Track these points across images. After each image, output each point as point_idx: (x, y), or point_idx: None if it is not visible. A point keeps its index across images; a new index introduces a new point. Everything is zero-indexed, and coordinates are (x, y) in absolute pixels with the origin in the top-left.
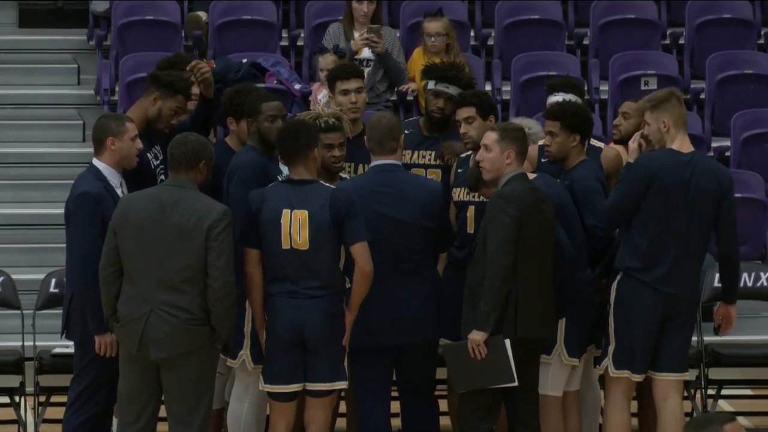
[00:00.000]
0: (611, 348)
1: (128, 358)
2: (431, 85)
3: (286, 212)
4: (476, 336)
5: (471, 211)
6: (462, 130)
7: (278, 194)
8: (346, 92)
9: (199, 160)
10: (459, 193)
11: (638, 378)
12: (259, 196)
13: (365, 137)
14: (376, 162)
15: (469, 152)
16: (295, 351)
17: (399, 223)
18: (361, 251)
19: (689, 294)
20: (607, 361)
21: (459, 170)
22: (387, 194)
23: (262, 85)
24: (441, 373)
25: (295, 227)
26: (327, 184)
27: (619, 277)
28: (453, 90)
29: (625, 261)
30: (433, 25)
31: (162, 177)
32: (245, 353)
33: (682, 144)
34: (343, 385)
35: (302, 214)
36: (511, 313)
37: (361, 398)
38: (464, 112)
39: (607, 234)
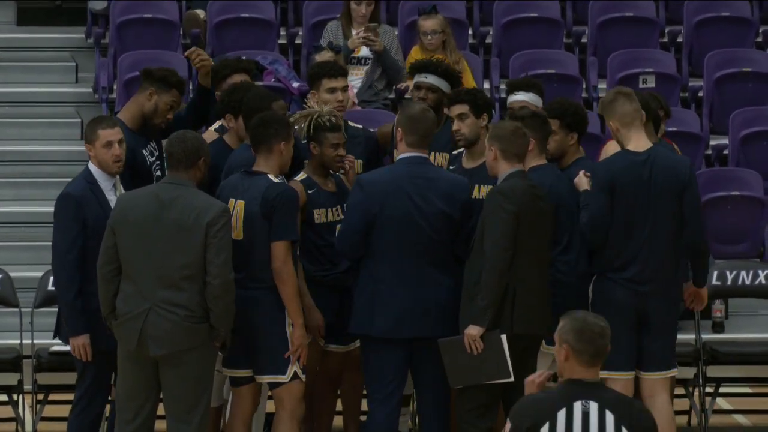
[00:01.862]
0: None
1: (126, 356)
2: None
3: (231, 202)
4: (473, 331)
5: None
6: (454, 127)
7: (232, 184)
8: (333, 90)
9: (199, 158)
10: None
11: (619, 376)
12: (222, 186)
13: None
14: (408, 154)
15: (461, 149)
16: (240, 338)
17: (429, 215)
18: (277, 249)
19: (665, 291)
20: None
21: (451, 167)
22: (420, 185)
23: (259, 83)
24: None
25: (234, 217)
26: (272, 178)
27: (594, 278)
28: (432, 79)
29: (598, 262)
30: (428, 23)
31: (158, 173)
32: None
33: (638, 142)
34: (281, 378)
35: (240, 205)
36: (508, 309)
37: (370, 393)
38: (457, 109)
39: (592, 242)
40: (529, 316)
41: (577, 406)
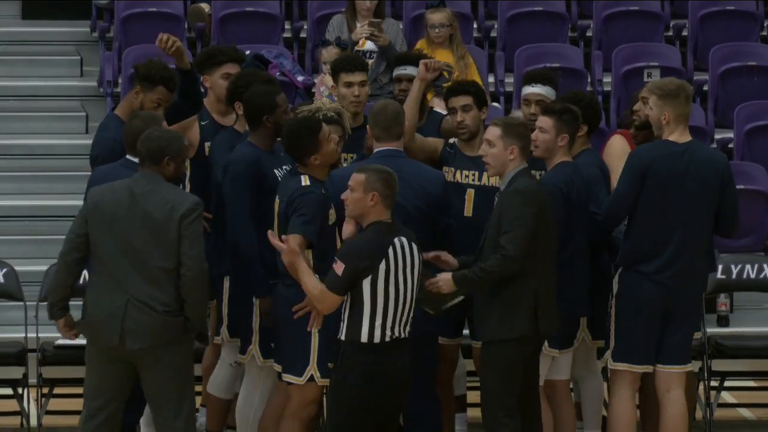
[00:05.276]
0: (611, 340)
1: (96, 353)
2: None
3: (276, 201)
4: (446, 283)
5: (470, 195)
6: (458, 118)
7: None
8: (349, 84)
9: (163, 156)
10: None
11: (640, 369)
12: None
13: (368, 125)
14: (380, 148)
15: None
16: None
17: (403, 210)
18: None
19: (691, 286)
20: (608, 354)
21: (450, 150)
22: None
23: None
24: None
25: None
26: (303, 181)
27: (620, 270)
28: (412, 71)
29: (626, 253)
30: (436, 17)
31: None
32: (254, 348)
33: (680, 136)
34: (297, 380)
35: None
36: (531, 312)
37: None
38: (461, 100)
39: (606, 222)
40: (549, 316)
41: (397, 241)
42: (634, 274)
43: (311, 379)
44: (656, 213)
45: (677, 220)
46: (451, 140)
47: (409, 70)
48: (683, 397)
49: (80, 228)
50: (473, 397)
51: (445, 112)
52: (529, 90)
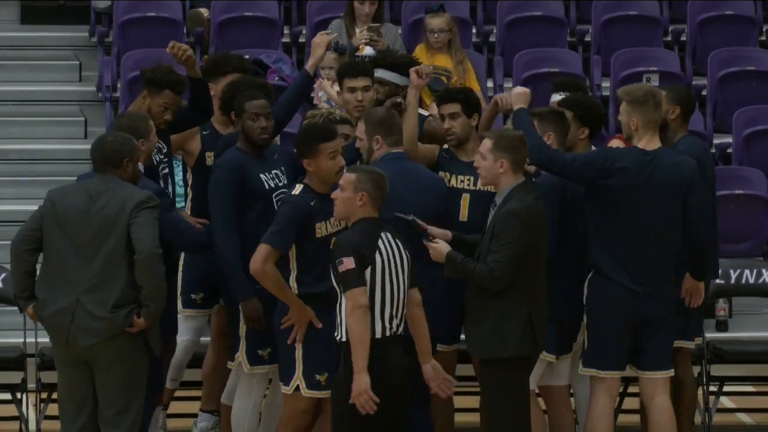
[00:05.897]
0: (585, 346)
1: (61, 355)
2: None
3: None
4: (440, 253)
5: (465, 199)
6: (446, 125)
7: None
8: (352, 90)
9: (121, 159)
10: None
11: (607, 375)
12: None
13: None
14: (388, 152)
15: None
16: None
17: (412, 208)
18: (257, 250)
19: (661, 291)
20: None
21: (445, 155)
22: (403, 182)
23: None
24: (463, 370)
25: None
26: (296, 188)
27: (591, 274)
28: (380, 73)
29: (595, 259)
30: (435, 21)
31: (165, 170)
32: (241, 355)
33: (648, 143)
34: (285, 389)
35: None
36: (528, 329)
37: None
38: (448, 108)
39: (539, 159)
40: (543, 333)
41: (383, 236)
42: (603, 278)
43: (297, 389)
44: (621, 220)
45: (643, 227)
46: (446, 145)
47: (379, 73)
48: (669, 404)
49: (35, 223)
50: (467, 402)
51: (426, 113)
52: (557, 98)
